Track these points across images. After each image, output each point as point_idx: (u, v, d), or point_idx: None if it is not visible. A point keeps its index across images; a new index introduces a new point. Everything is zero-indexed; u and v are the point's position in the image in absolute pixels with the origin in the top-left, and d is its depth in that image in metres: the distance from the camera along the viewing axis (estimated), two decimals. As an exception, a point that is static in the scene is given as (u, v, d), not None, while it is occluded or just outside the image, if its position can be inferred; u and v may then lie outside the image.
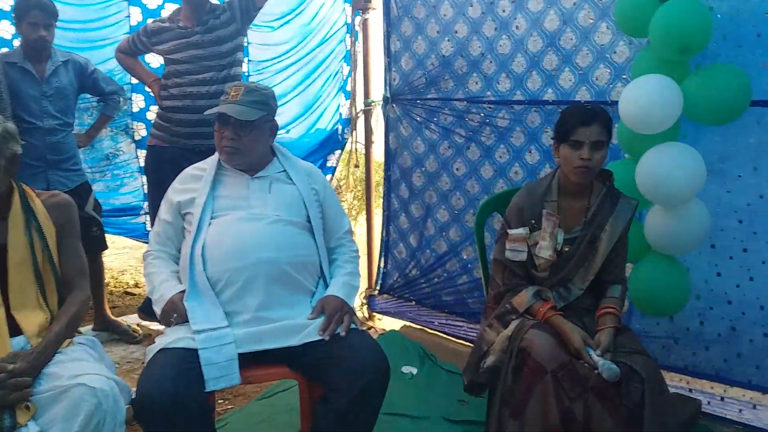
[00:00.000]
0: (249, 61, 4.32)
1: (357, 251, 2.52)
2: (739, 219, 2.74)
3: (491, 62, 3.42)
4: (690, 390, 2.92)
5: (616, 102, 2.64)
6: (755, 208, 2.71)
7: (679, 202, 2.53)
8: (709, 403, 2.85)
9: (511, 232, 2.38)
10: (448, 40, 3.57)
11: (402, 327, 3.89)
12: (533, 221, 2.36)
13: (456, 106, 3.59)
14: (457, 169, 3.64)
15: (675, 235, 2.59)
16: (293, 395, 2.82)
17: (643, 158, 2.56)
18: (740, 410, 2.79)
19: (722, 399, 2.84)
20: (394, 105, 3.88)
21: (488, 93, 3.45)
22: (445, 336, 3.71)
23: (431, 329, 3.78)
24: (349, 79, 4.40)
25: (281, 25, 4.39)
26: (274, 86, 3.86)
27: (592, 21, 3.05)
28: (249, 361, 2.09)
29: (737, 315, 2.78)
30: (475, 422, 2.82)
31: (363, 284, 4.03)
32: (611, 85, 3.04)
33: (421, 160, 3.80)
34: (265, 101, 2.36)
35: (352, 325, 2.20)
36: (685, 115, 2.53)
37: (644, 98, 2.47)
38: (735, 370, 2.80)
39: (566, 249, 2.35)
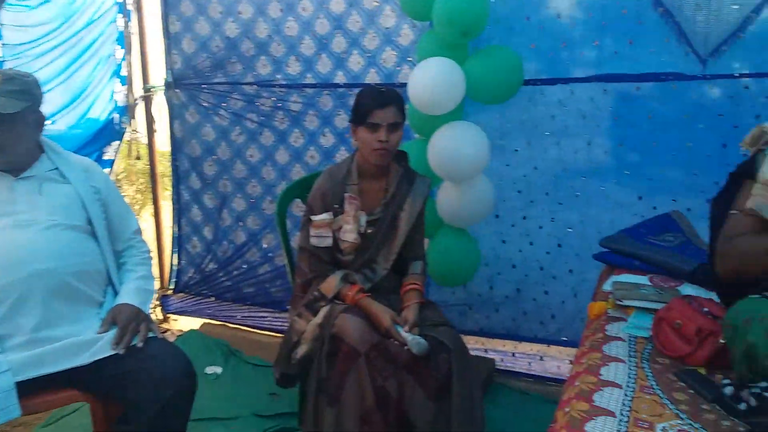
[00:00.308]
0: (3, 44, 3.76)
1: (149, 252, 2.31)
2: (518, 189, 2.98)
3: (279, 45, 3.34)
4: (486, 350, 3.14)
5: (404, 84, 2.70)
6: (531, 179, 2.96)
7: (468, 177, 2.67)
8: (502, 360, 3.08)
9: (314, 218, 2.34)
10: (233, 21, 3.41)
11: (202, 325, 3.69)
12: (336, 205, 2.34)
13: (246, 91, 3.46)
14: (251, 156, 3.52)
15: (464, 208, 2.74)
16: (84, 416, 2.53)
17: (433, 138, 2.66)
18: (529, 363, 3.06)
19: (513, 355, 3.09)
20: (178, 90, 3.64)
21: (278, 76, 3.36)
22: (249, 329, 3.59)
23: (234, 324, 3.64)
24: (124, 63, 4.04)
25: (40, 4, 3.87)
26: (34, 72, 3.40)
27: (377, 4, 3.09)
28: (31, 387, 1.82)
29: (521, 277, 3.03)
30: (289, 414, 2.77)
31: (155, 285, 3.76)
32: (398, 68, 3.11)
33: (212, 148, 3.61)
34: (27, 90, 2.05)
35: (150, 333, 2.01)
36: (467, 95, 2.66)
37: (431, 80, 2.56)
38: (522, 327, 3.06)
39: (369, 231, 2.37)
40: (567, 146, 2.87)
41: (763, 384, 1.44)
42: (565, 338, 3.00)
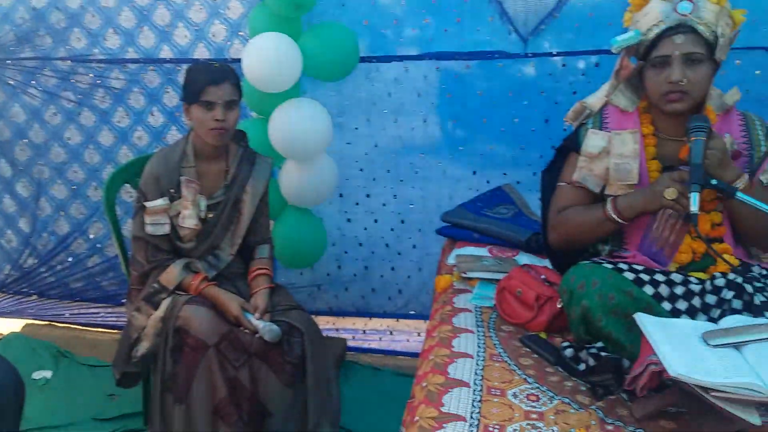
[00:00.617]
0: None
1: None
2: (360, 168, 2.99)
3: (94, 16, 3.05)
4: (337, 329, 3.15)
5: (237, 60, 2.59)
6: (372, 157, 2.98)
7: (312, 156, 2.63)
8: (353, 338, 3.11)
9: (148, 204, 2.18)
10: (38, -10, 3.06)
11: (24, 327, 3.34)
12: (171, 190, 2.20)
13: (59, 66, 3.13)
14: (70, 138, 3.21)
15: (308, 188, 2.70)
16: None
17: (273, 116, 2.58)
18: (380, 338, 3.12)
19: (364, 332, 3.14)
20: (-24, 66, 3.21)
21: (96, 50, 3.08)
22: (80, 327, 3.31)
23: (62, 323, 3.33)
24: None
25: None
26: None
27: (201, -27, 2.92)
28: None
29: (368, 254, 3.06)
30: (131, 415, 2.60)
31: (-38, 285, 3.35)
32: (229, 42, 2.97)
33: (23, 130, 3.24)
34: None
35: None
36: (303, 71, 2.61)
37: (267, 57, 2.48)
38: (372, 304, 3.11)
39: (210, 215, 2.26)
40: (404, 123, 2.92)
41: (599, 344, 1.57)
42: (413, 311, 3.08)
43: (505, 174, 2.88)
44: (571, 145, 1.86)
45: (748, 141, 1.73)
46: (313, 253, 2.86)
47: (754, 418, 1.20)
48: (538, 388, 1.51)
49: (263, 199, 2.35)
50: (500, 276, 2.05)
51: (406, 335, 3.10)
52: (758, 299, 1.49)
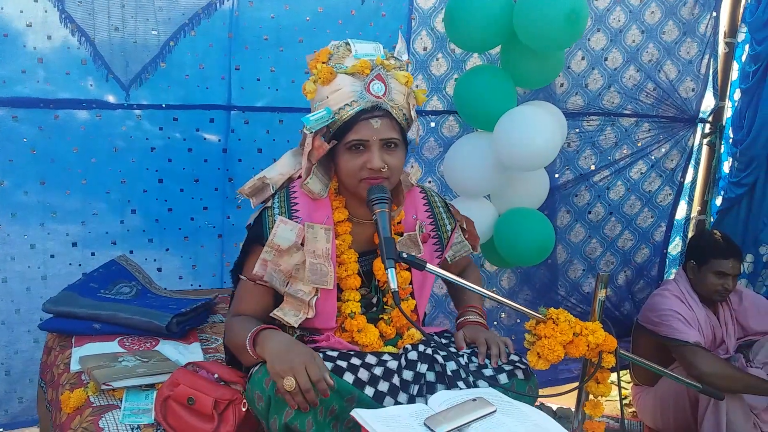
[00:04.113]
0: None
1: None
2: None
3: None
4: None
5: None
6: None
7: None
8: None
9: None
10: None
11: None
12: None
13: None
14: None
15: None
16: None
17: None
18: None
19: None
20: None
21: None
22: None
23: None
24: None
25: None
26: None
27: None
28: None
29: None
30: None
31: None
32: None
33: None
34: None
35: None
36: None
37: None
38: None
39: None
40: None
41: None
42: (1, 428, 2.36)
43: (114, 243, 2.45)
44: (254, 236, 1.60)
45: (434, 221, 1.74)
46: None
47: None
48: None
49: None
50: (152, 380, 1.68)
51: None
52: (449, 368, 1.50)
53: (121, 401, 1.62)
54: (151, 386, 1.67)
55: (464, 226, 1.82)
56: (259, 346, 1.44)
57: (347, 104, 1.53)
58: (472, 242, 1.83)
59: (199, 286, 2.62)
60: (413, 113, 1.61)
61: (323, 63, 1.57)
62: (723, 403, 2.60)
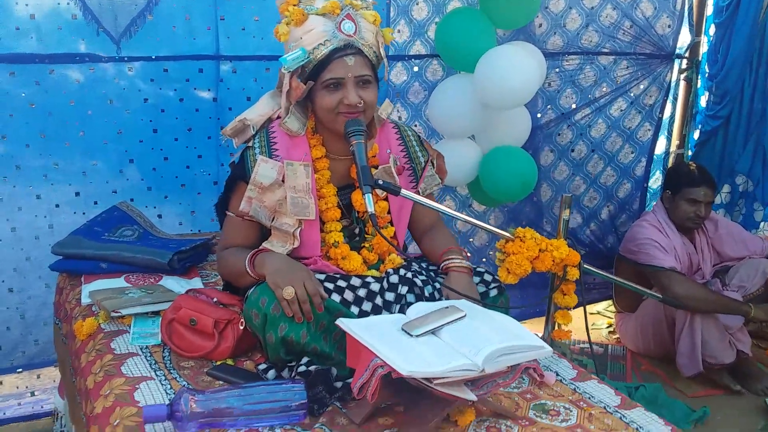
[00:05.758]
0: None
1: None
2: None
3: None
4: None
5: None
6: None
7: None
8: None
9: None
10: None
11: None
12: None
13: None
14: None
15: None
16: None
17: None
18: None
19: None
20: None
21: None
22: None
23: None
24: None
25: None
26: None
27: None
28: None
29: None
30: None
31: None
32: None
33: None
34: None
35: None
36: None
37: None
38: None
39: None
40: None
41: (305, 359, 1.52)
42: (19, 368, 2.52)
43: (115, 192, 2.57)
44: (238, 174, 1.72)
45: (407, 154, 1.84)
46: None
47: (470, 395, 1.32)
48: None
49: None
50: (157, 307, 1.82)
51: (15, 399, 2.53)
52: (427, 291, 1.65)
53: (129, 327, 1.77)
54: (157, 314, 1.81)
55: (434, 161, 1.91)
56: (258, 266, 1.59)
57: (321, 44, 1.63)
58: (441, 176, 1.93)
59: (199, 230, 2.75)
60: (382, 51, 1.72)
61: (294, 6, 1.67)
62: (698, 323, 2.76)
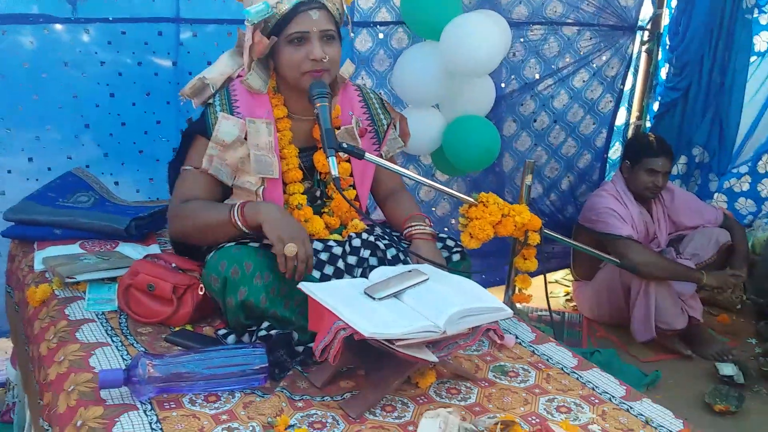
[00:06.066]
0: None
1: None
2: None
3: None
4: None
5: None
6: None
7: None
8: None
9: None
10: None
11: None
12: None
13: None
14: None
15: None
16: None
17: None
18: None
19: None
20: None
21: None
22: None
23: None
24: None
25: None
26: None
27: None
28: None
29: None
30: None
31: None
32: None
33: None
34: None
35: None
36: None
37: None
38: None
39: None
40: None
41: (265, 324, 1.51)
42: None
43: (69, 158, 2.50)
44: (197, 128, 1.68)
45: (370, 117, 1.83)
46: None
47: (431, 356, 1.33)
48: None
49: None
50: (113, 273, 1.79)
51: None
52: (390, 254, 1.64)
53: (84, 293, 1.73)
54: (113, 280, 1.78)
55: (397, 123, 1.90)
56: (250, 216, 1.54)
57: (284, -2, 1.60)
58: (404, 139, 1.92)
59: (157, 198, 2.70)
60: (345, 8, 1.70)
61: (256, -40, 1.63)
62: (653, 290, 2.83)
